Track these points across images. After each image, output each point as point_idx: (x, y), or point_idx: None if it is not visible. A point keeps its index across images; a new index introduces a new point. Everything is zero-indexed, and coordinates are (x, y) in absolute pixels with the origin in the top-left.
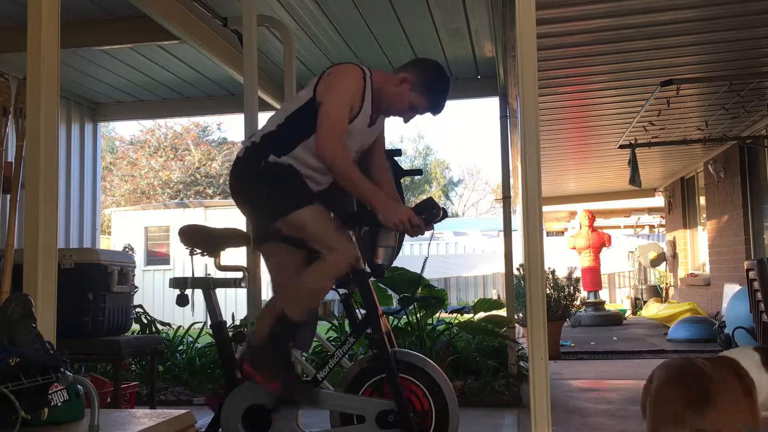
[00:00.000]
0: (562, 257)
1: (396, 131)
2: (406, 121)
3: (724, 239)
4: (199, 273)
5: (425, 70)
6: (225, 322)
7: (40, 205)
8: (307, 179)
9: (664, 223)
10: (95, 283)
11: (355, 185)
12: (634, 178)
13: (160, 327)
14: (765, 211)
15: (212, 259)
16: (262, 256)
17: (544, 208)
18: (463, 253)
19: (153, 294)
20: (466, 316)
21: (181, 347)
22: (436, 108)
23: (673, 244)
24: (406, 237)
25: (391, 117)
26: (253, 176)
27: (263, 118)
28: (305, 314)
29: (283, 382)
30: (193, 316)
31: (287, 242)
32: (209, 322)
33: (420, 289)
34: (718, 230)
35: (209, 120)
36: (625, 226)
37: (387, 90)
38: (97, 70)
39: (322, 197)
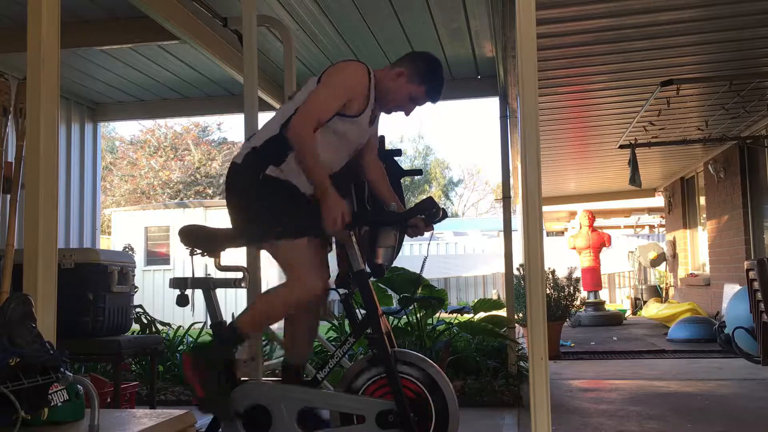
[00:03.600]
0: (562, 257)
1: (396, 131)
2: (407, 114)
3: (724, 239)
4: (199, 273)
5: (419, 61)
6: (225, 322)
7: (40, 205)
8: (302, 186)
9: (664, 223)
10: (95, 283)
11: (307, 163)
12: (634, 178)
13: (160, 327)
14: (765, 211)
15: (212, 259)
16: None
17: (544, 208)
18: (463, 253)
19: (153, 294)
20: (466, 316)
21: (181, 347)
22: (434, 95)
23: (673, 244)
24: (407, 237)
25: (393, 113)
26: (250, 191)
27: (263, 118)
28: (254, 331)
29: (206, 393)
30: (193, 316)
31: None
32: (209, 322)
33: (420, 289)
34: (718, 230)
35: (209, 120)
36: (625, 226)
37: (385, 86)
38: (97, 70)
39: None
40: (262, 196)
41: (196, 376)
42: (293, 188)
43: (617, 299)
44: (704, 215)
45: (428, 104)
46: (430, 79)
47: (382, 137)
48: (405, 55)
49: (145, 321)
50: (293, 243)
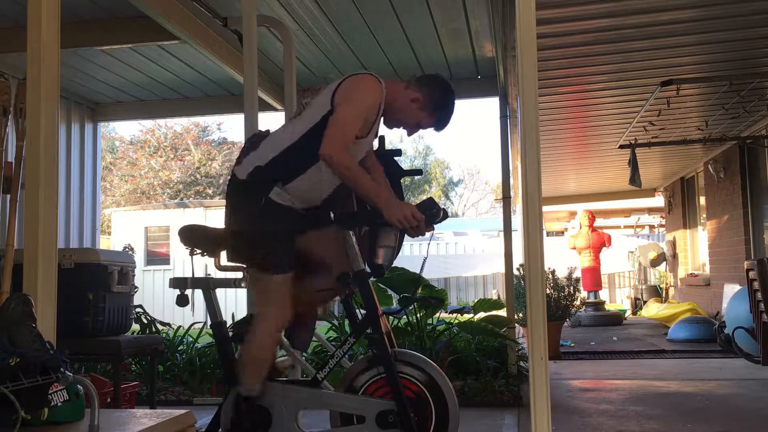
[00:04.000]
0: (562, 257)
1: (396, 131)
2: (409, 134)
3: (724, 239)
4: (199, 273)
5: (436, 91)
6: (225, 322)
7: (40, 205)
8: (306, 204)
9: (664, 223)
10: (95, 283)
11: (358, 185)
12: (634, 178)
13: (160, 327)
14: (765, 211)
15: (212, 259)
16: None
17: (544, 208)
18: (463, 253)
19: (153, 294)
20: (466, 316)
21: (181, 347)
22: (441, 126)
23: (673, 244)
24: (406, 237)
25: (393, 129)
26: (252, 215)
27: (263, 118)
28: (261, 378)
29: None
30: (193, 316)
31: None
32: (209, 322)
33: (420, 289)
34: (718, 230)
35: (209, 120)
36: (625, 226)
37: (397, 105)
38: (97, 70)
39: (325, 202)
40: (263, 222)
41: None
42: (294, 216)
43: (617, 299)
44: (704, 215)
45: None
46: (442, 110)
47: (382, 137)
48: (423, 79)
49: (145, 321)
50: (278, 279)
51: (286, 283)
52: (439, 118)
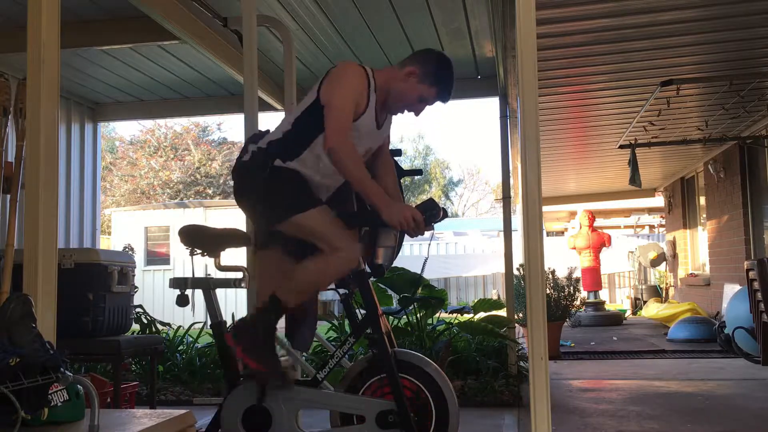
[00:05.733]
0: (562, 257)
1: (396, 131)
2: (417, 114)
3: (724, 239)
4: (199, 273)
5: (430, 61)
6: (225, 322)
7: (40, 205)
8: (313, 185)
9: (664, 223)
10: (95, 283)
11: (359, 182)
12: (634, 178)
13: (160, 327)
14: (765, 211)
15: (212, 259)
16: (258, 262)
17: (544, 208)
18: (463, 253)
19: (153, 294)
20: (466, 316)
21: (181, 347)
22: (445, 96)
23: (673, 244)
24: (406, 237)
25: (402, 113)
26: (259, 180)
27: (263, 118)
28: (296, 302)
29: (264, 364)
30: (193, 316)
31: (287, 248)
32: (209, 322)
33: (420, 289)
34: (718, 230)
35: (209, 120)
36: (625, 226)
37: (394, 86)
38: (97, 70)
39: (327, 201)
40: (272, 182)
41: (243, 349)
42: (300, 175)
43: (617, 299)
44: (704, 215)
45: (437, 105)
46: (442, 78)
47: None
48: (414, 54)
49: (145, 321)
50: (314, 212)
51: (325, 214)
52: (440, 87)
